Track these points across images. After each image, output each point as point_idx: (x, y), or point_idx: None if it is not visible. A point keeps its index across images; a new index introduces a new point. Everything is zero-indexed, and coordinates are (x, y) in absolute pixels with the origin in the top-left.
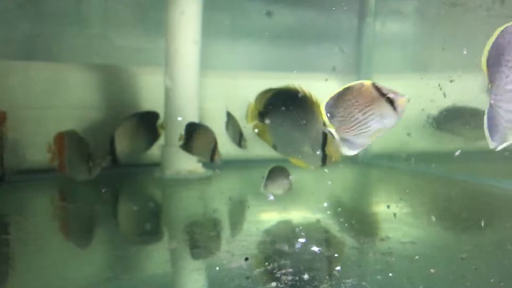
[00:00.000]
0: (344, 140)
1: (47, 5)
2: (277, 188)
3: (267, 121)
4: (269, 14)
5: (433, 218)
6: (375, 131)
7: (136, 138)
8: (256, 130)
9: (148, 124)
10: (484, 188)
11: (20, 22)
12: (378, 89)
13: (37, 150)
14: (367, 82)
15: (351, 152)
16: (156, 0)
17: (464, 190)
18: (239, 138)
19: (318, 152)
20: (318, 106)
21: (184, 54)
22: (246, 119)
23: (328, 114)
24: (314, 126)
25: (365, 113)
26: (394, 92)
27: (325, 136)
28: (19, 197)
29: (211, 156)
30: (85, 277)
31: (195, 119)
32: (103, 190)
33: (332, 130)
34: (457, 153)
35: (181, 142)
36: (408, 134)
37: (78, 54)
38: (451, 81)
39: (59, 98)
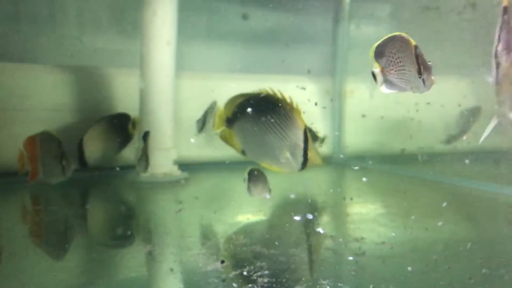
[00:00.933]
0: (386, 80)
1: (19, 6)
2: (260, 191)
3: (235, 127)
4: (245, 16)
5: (412, 217)
6: (407, 86)
7: (106, 141)
8: (221, 136)
9: (119, 127)
10: (457, 189)
11: None
12: (417, 56)
13: (8, 153)
14: (412, 42)
15: (386, 91)
16: (131, 0)
17: (439, 191)
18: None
19: (299, 157)
20: (297, 111)
21: (157, 55)
22: (212, 125)
23: (377, 54)
24: (292, 131)
25: (403, 67)
26: (427, 68)
27: (306, 140)
28: None
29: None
30: (59, 283)
31: (170, 121)
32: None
33: (376, 70)
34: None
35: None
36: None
37: (51, 56)
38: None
39: (32, 100)
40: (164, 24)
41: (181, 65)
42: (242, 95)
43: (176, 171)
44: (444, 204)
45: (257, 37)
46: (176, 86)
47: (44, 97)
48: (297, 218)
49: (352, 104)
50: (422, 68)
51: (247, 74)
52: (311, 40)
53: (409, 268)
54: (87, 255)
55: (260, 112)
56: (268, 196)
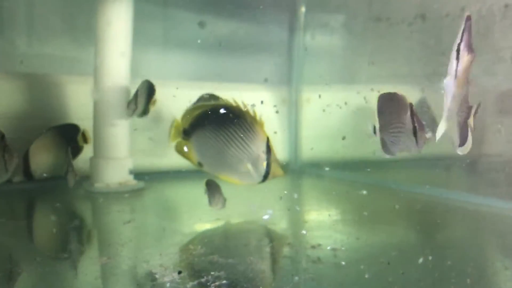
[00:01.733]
0: (382, 139)
1: None
2: (217, 203)
3: (193, 139)
4: (201, 24)
5: (367, 223)
6: (402, 147)
7: (53, 152)
8: (177, 148)
9: (67, 138)
10: (411, 195)
11: None
12: (412, 114)
13: None
14: (406, 101)
15: (385, 155)
16: (85, 7)
17: (394, 198)
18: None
19: (262, 168)
20: (259, 123)
21: (112, 66)
22: (168, 136)
23: (378, 111)
24: (255, 143)
25: (399, 128)
26: (421, 127)
27: (269, 152)
28: None
29: None
30: None
31: (125, 130)
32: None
33: (376, 125)
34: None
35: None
36: (343, 138)
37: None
38: (372, 90)
39: None
40: (118, 34)
41: (136, 73)
42: (200, 106)
43: (131, 181)
44: (398, 210)
45: (214, 45)
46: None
47: None
48: (265, 217)
49: (308, 112)
50: (417, 127)
51: (204, 82)
52: (268, 49)
53: (365, 274)
54: (38, 268)
55: (221, 124)
56: (266, 217)
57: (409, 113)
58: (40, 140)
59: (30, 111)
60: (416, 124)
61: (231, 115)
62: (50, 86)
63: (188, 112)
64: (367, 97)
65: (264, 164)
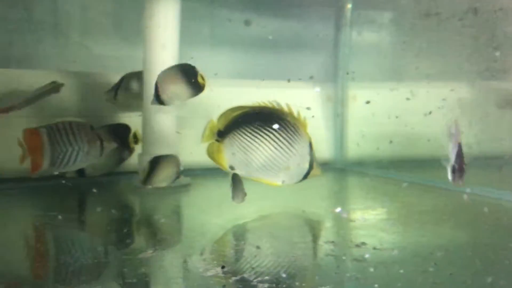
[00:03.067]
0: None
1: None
2: (239, 197)
3: (226, 141)
4: (247, 23)
5: (414, 223)
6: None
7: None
8: (208, 150)
9: (119, 138)
10: (461, 195)
11: None
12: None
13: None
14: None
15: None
16: (134, 8)
17: (441, 197)
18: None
19: (303, 169)
20: (303, 124)
21: (159, 64)
22: (201, 137)
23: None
24: (300, 145)
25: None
26: (461, 169)
27: (311, 152)
28: None
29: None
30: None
31: (173, 127)
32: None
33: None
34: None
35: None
36: (390, 142)
37: (55, 62)
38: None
39: (34, 105)
40: (166, 33)
41: None
42: (239, 108)
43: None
44: (446, 210)
45: (260, 43)
46: None
47: (47, 103)
48: (338, 210)
49: (353, 109)
50: (456, 167)
51: (249, 80)
52: (313, 46)
53: (410, 275)
54: (86, 259)
55: (262, 125)
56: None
57: (457, 150)
58: None
59: (82, 109)
60: (457, 164)
61: (273, 116)
62: (102, 84)
63: (226, 113)
64: (416, 94)
65: (307, 164)
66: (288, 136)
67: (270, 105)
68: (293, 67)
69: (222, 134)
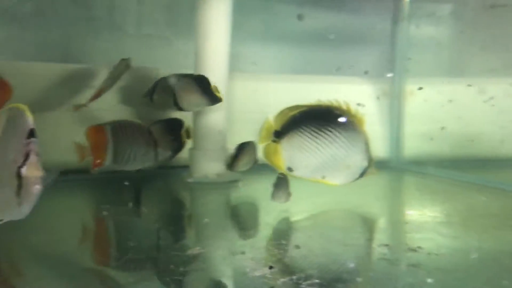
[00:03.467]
0: None
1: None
2: (281, 197)
3: (284, 141)
4: (300, 17)
5: (475, 226)
6: None
7: (159, 145)
8: (265, 151)
9: (172, 132)
10: None
11: (54, 25)
12: None
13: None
14: None
15: None
16: (187, 3)
17: (504, 200)
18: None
19: (361, 168)
20: (362, 121)
21: (210, 59)
22: (258, 138)
23: None
24: (359, 143)
25: None
26: None
27: (369, 149)
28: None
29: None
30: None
31: (223, 121)
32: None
33: None
34: None
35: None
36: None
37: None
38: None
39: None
40: (218, 28)
41: (235, 66)
42: (296, 107)
43: (228, 172)
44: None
45: (313, 37)
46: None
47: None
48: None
49: (411, 106)
50: None
51: (302, 75)
52: (368, 40)
53: (470, 284)
54: (136, 254)
55: (321, 124)
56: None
57: None
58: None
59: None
60: None
61: (331, 114)
62: (155, 79)
63: (282, 112)
64: (479, 90)
65: (365, 162)
66: (348, 134)
67: (327, 103)
68: (347, 62)
69: (279, 134)
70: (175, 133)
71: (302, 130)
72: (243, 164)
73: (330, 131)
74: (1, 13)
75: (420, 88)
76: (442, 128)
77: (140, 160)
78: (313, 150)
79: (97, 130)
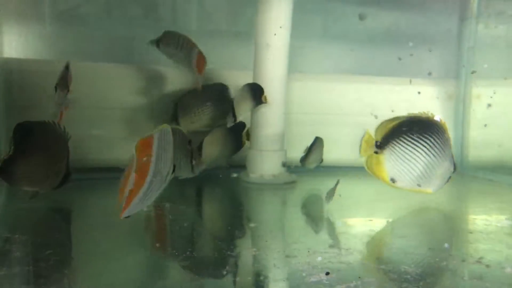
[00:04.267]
0: None
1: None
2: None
3: (386, 152)
4: (361, 16)
5: None
6: None
7: (222, 146)
8: (367, 164)
9: (235, 134)
10: None
11: (117, 24)
12: None
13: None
14: None
15: None
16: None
17: None
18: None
19: (448, 175)
20: (446, 130)
21: (269, 60)
22: (359, 151)
23: None
24: (449, 151)
25: None
26: None
27: (453, 156)
28: (86, 195)
29: None
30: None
31: (281, 122)
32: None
33: None
34: None
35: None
36: None
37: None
38: None
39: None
40: (278, 29)
41: (294, 67)
42: (396, 118)
43: (284, 173)
44: None
45: (375, 37)
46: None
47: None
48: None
49: (477, 110)
50: None
51: (362, 76)
52: (432, 40)
53: None
54: (191, 253)
55: (421, 134)
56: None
57: None
58: (214, 133)
59: None
60: None
61: (426, 123)
62: (213, 81)
63: (382, 124)
64: None
65: (452, 167)
66: (441, 142)
67: (417, 114)
68: (410, 63)
69: (381, 145)
70: (237, 134)
71: (402, 140)
72: (311, 161)
73: (428, 140)
74: (69, 14)
75: (473, 71)
76: (510, 133)
77: (177, 170)
78: (415, 159)
79: (144, 143)
